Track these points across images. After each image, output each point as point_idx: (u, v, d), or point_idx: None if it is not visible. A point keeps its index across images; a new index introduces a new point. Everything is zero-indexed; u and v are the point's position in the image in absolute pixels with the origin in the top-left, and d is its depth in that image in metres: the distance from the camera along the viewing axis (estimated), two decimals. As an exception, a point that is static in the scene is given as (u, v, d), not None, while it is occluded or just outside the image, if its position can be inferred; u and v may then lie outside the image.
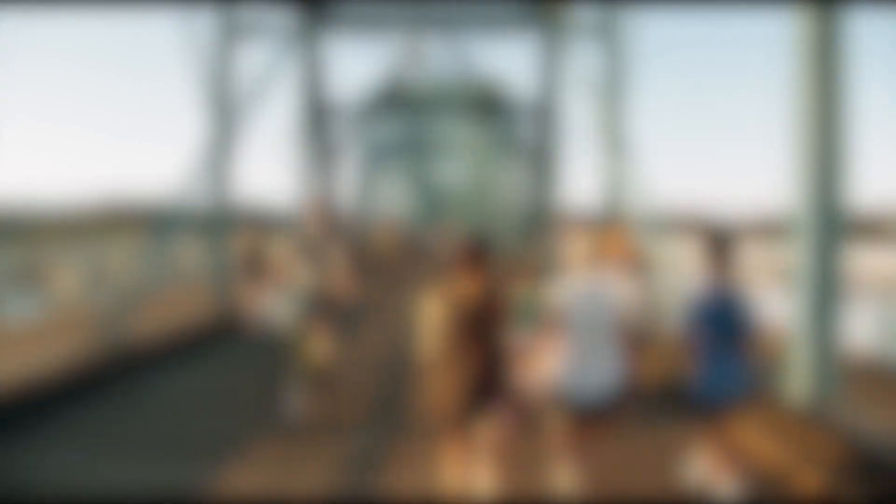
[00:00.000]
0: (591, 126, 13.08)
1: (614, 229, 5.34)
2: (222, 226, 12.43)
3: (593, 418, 3.98)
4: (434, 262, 16.90)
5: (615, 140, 12.30)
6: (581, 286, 3.98)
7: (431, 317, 3.94)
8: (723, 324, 4.15)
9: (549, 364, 3.96)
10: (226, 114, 12.25)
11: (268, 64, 12.93)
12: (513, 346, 4.00)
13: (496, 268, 4.09)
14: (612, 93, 12.97)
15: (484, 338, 3.87)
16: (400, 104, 23.31)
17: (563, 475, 4.12)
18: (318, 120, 18.57)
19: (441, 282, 4.03)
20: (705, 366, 4.18)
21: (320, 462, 5.14)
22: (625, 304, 4.02)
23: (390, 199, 42.26)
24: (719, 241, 4.25)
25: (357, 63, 73.83)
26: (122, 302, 8.91)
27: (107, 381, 7.39)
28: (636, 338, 4.13)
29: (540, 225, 21.84)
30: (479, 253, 3.94)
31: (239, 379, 8.00)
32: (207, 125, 12.09)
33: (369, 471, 5.00)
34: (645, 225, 10.67)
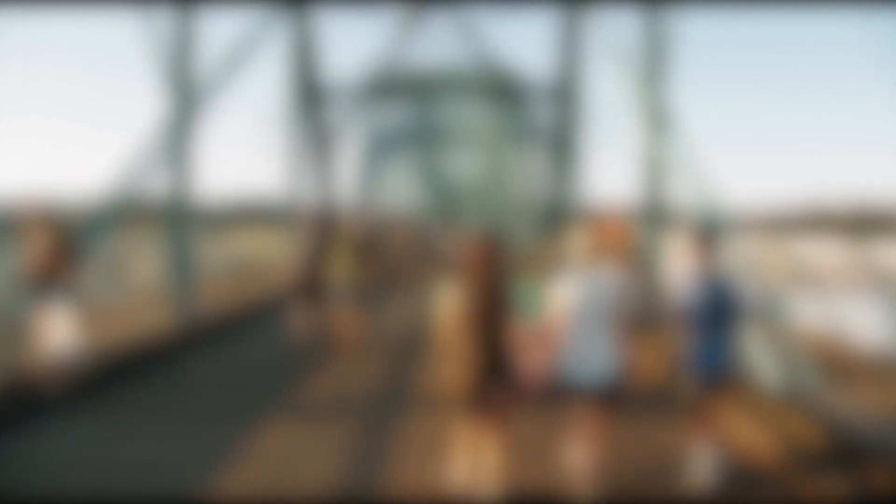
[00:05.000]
0: (626, 105, 11.07)
1: (612, 221, 5.59)
2: (181, 221, 10.33)
3: (593, 403, 4.22)
4: (447, 264, 14.89)
5: (656, 120, 10.30)
6: (583, 277, 4.22)
7: (445, 312, 4.01)
8: (711, 307, 4.56)
9: (548, 355, 4.18)
10: (188, 93, 10.20)
11: (246, 36, 10.87)
12: (517, 335, 4.15)
13: (509, 265, 4.26)
14: (652, 64, 10.91)
15: (492, 329, 4.08)
16: (404, 87, 21.21)
17: (570, 460, 4.42)
18: (311, 102, 16.55)
19: (454, 280, 4.12)
20: (696, 345, 4.58)
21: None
22: (624, 296, 4.20)
23: (396, 193, 39.81)
24: (704, 236, 4.81)
25: (356, 42, 68.95)
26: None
27: None
28: (635, 328, 4.31)
29: (559, 218, 19.92)
30: (490, 252, 4.13)
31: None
32: (167, 106, 10.07)
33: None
34: (698, 216, 8.73)
